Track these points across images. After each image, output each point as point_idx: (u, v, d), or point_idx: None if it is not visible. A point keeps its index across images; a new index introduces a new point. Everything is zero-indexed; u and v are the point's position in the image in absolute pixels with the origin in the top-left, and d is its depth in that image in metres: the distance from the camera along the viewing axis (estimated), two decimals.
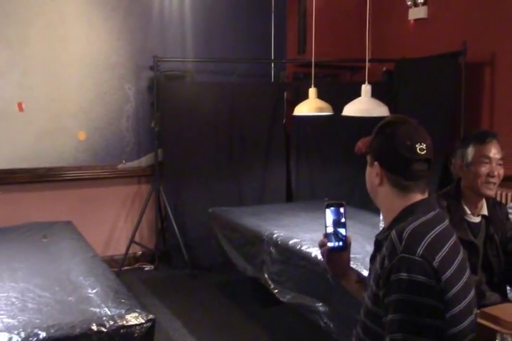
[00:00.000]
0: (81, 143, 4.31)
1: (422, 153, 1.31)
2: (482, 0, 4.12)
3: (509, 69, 3.95)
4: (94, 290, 2.38)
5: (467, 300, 1.26)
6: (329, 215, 1.44)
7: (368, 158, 1.40)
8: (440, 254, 1.23)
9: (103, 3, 4.28)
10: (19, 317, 2.09)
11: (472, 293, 1.30)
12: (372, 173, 1.37)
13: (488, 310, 1.61)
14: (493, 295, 1.90)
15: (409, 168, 1.31)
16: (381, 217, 2.81)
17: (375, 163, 1.36)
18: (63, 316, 2.10)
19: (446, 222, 1.34)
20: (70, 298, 2.31)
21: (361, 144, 1.42)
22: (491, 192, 1.97)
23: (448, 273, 1.22)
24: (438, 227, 1.29)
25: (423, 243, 1.23)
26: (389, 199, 1.36)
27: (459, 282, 1.24)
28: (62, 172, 4.27)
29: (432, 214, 1.32)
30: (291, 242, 2.97)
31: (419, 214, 1.30)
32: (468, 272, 1.31)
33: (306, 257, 2.77)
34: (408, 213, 1.31)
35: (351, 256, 2.51)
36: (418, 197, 1.34)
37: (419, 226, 1.27)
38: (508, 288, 2.08)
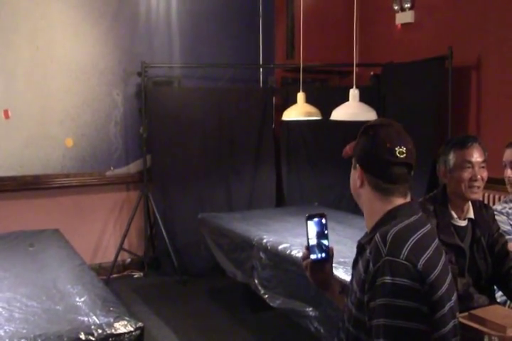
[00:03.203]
0: (68, 150, 4.28)
1: (402, 156, 1.30)
2: (468, 5, 4.16)
3: (495, 73, 3.99)
4: (82, 299, 2.36)
5: (450, 304, 1.26)
6: (311, 227, 1.44)
7: (353, 160, 1.41)
8: (424, 257, 1.23)
9: (90, 9, 4.27)
10: (6, 328, 2.07)
11: (455, 296, 1.30)
12: (355, 175, 1.38)
13: (475, 312, 1.62)
14: (481, 297, 1.91)
15: (388, 171, 1.31)
16: None
17: (357, 165, 1.36)
18: (50, 325, 2.08)
19: (429, 226, 1.34)
20: (58, 307, 2.28)
21: (348, 147, 1.42)
22: (476, 196, 1.97)
23: (432, 276, 1.21)
24: (421, 230, 1.29)
25: (407, 245, 1.23)
26: (370, 202, 1.36)
27: (442, 285, 1.24)
28: (50, 180, 4.23)
29: (414, 217, 1.32)
30: (280, 247, 2.97)
31: (402, 218, 1.30)
32: (450, 276, 1.30)
33: (295, 262, 2.77)
34: (391, 217, 1.31)
35: (341, 260, 2.53)
36: (399, 200, 1.34)
37: (402, 229, 1.27)
38: (495, 289, 2.09)
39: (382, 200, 1.33)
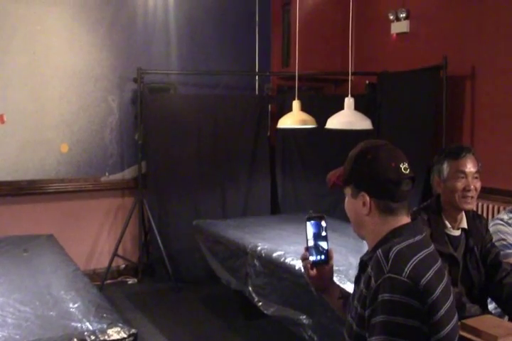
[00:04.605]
0: (63, 155, 4.28)
1: (407, 172, 1.30)
2: (462, 15, 4.20)
3: (489, 82, 4.02)
4: (76, 305, 2.35)
5: (450, 326, 1.25)
6: (310, 229, 1.44)
7: (349, 189, 1.36)
8: (426, 277, 1.21)
9: (86, 15, 4.28)
10: None
11: (455, 319, 1.29)
12: (358, 204, 1.33)
13: (467, 321, 1.63)
14: (473, 307, 1.91)
15: (398, 190, 1.29)
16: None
17: (362, 193, 1.32)
18: (44, 331, 2.07)
19: (432, 247, 1.33)
20: (51, 313, 2.27)
21: (335, 178, 1.38)
22: (469, 206, 1.99)
23: (433, 297, 1.20)
24: (424, 251, 1.28)
25: (409, 264, 1.22)
26: (377, 227, 1.33)
27: (443, 307, 1.22)
28: (44, 185, 4.22)
29: (418, 237, 1.31)
30: (275, 255, 2.97)
31: (406, 237, 1.29)
32: (451, 298, 1.29)
33: (290, 270, 2.77)
34: (394, 235, 1.30)
35: (335, 268, 2.53)
36: (405, 219, 1.33)
37: (405, 248, 1.26)
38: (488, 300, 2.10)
39: (389, 221, 1.31)
